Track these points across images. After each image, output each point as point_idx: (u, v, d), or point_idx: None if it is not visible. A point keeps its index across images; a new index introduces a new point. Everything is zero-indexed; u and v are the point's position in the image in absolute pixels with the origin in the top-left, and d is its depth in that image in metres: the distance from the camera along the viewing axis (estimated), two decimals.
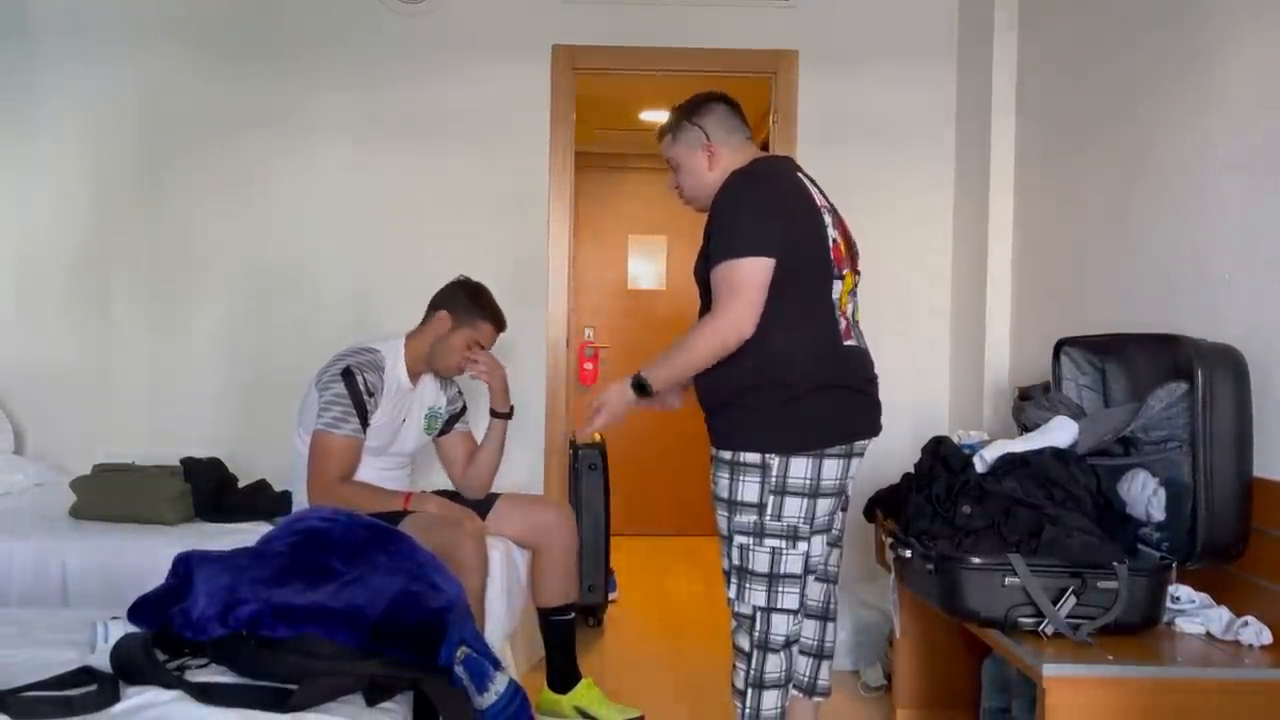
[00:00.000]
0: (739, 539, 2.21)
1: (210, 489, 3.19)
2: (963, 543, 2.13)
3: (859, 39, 3.94)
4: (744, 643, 2.24)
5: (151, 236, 3.95)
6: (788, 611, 2.21)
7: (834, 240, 2.24)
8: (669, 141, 2.39)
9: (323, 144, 3.93)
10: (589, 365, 6.07)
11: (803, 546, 2.20)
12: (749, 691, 2.23)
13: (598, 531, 4.04)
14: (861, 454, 2.28)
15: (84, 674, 1.70)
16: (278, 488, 3.24)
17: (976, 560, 2.05)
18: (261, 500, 3.20)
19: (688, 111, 2.37)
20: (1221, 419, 2.08)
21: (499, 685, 1.74)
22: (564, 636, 3.07)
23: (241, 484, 3.31)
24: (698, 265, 2.29)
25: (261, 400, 3.88)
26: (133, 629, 1.86)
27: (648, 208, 6.15)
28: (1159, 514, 2.18)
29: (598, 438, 4.23)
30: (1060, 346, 2.63)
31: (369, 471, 2.87)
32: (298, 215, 3.95)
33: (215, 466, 3.31)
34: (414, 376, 2.95)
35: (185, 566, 1.93)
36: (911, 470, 2.60)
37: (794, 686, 2.36)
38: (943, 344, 3.94)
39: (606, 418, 2.28)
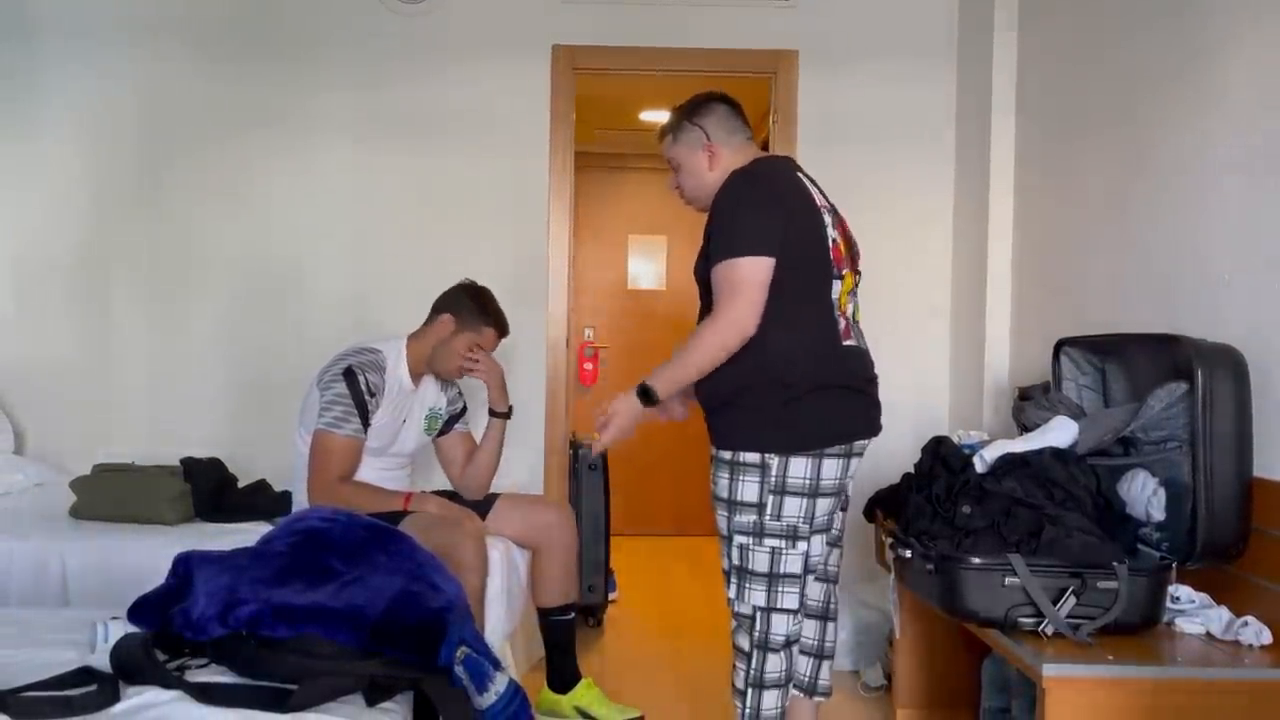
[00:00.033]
0: (739, 539, 2.21)
1: (210, 489, 3.19)
2: (963, 543, 2.13)
3: (859, 39, 3.94)
4: (744, 643, 2.24)
5: (151, 236, 3.95)
6: (787, 611, 2.21)
7: (834, 240, 2.24)
8: (670, 141, 2.39)
9: (323, 144, 3.93)
10: (589, 365, 6.07)
11: (802, 546, 2.20)
12: (749, 691, 2.23)
13: (598, 531, 4.04)
14: (861, 454, 2.28)
15: (84, 674, 1.70)
16: (278, 488, 3.24)
17: (976, 560, 2.05)
18: (261, 500, 3.20)
19: (688, 112, 2.37)
20: (1221, 419, 2.08)
21: (499, 685, 1.74)
22: (564, 636, 3.07)
23: (241, 484, 3.31)
24: (698, 265, 2.29)
25: (261, 400, 3.88)
26: (133, 629, 1.86)
27: (648, 208, 6.15)
28: (1159, 514, 2.18)
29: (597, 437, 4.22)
30: (1060, 346, 2.63)
31: (369, 472, 2.87)
32: (298, 215, 3.95)
33: (215, 466, 3.31)
34: (415, 377, 2.95)
35: (185, 566, 1.93)
36: (911, 470, 2.60)
37: (794, 686, 2.36)
38: (943, 344, 3.94)
39: (615, 431, 2.25)
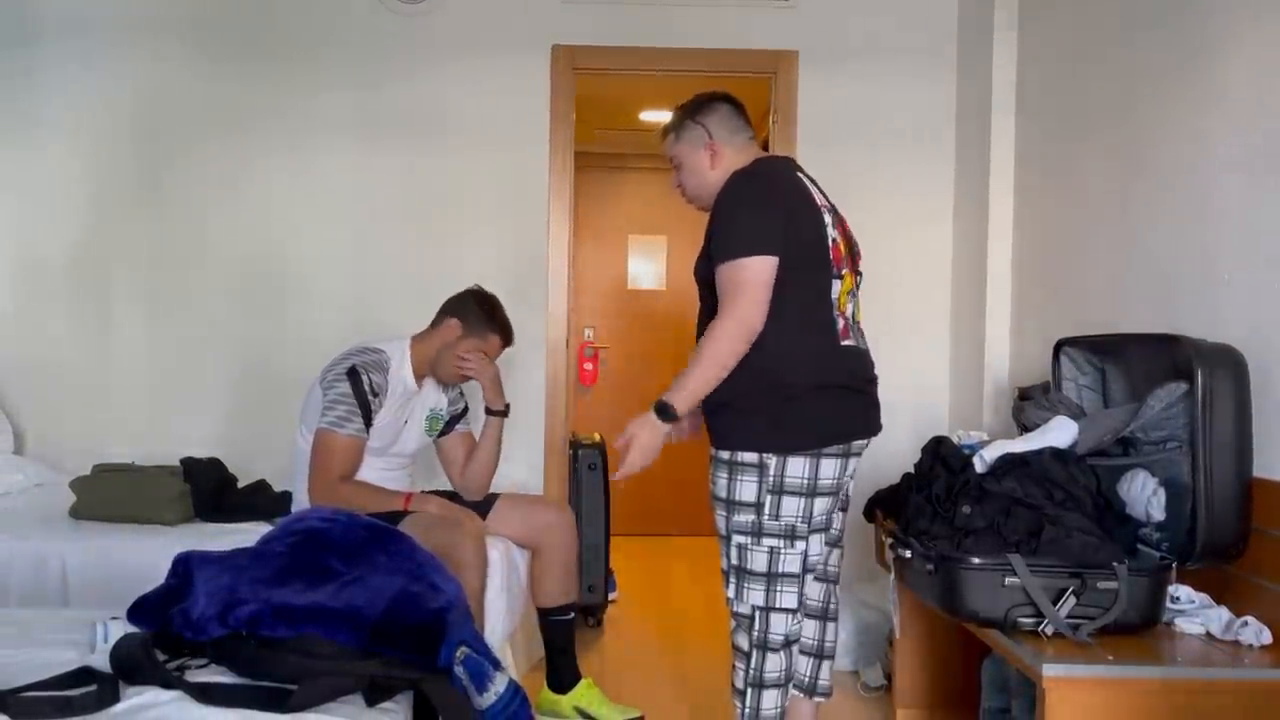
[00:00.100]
0: (737, 538, 2.21)
1: (210, 489, 3.19)
2: (963, 543, 2.13)
3: (859, 39, 3.94)
4: (743, 642, 2.24)
5: (151, 236, 3.95)
6: (786, 611, 2.21)
7: (834, 240, 2.24)
8: (672, 140, 2.39)
9: (322, 144, 3.93)
10: (589, 365, 6.07)
11: (800, 546, 2.20)
12: (749, 691, 2.23)
13: (598, 531, 4.04)
14: (860, 454, 2.28)
15: (84, 674, 1.70)
16: (277, 488, 3.24)
17: (976, 560, 2.05)
18: (261, 500, 3.20)
19: (691, 110, 2.37)
20: (1221, 419, 2.08)
21: (499, 685, 1.74)
22: (564, 636, 3.07)
23: (241, 484, 3.31)
24: (698, 265, 2.29)
25: (261, 400, 3.88)
26: (132, 629, 1.86)
27: (648, 208, 6.15)
28: (1159, 514, 2.18)
29: (597, 437, 4.23)
30: (1060, 346, 2.63)
31: (369, 472, 2.87)
32: (297, 215, 3.95)
33: (215, 466, 3.31)
34: (419, 379, 2.95)
35: (185, 566, 1.93)
36: (911, 470, 2.60)
37: (794, 686, 2.36)
38: (943, 344, 3.94)
39: (638, 455, 2.17)
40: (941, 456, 2.41)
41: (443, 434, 3.09)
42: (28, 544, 2.84)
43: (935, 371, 3.93)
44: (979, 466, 2.29)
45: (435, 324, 2.98)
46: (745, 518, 2.19)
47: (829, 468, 2.19)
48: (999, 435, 2.68)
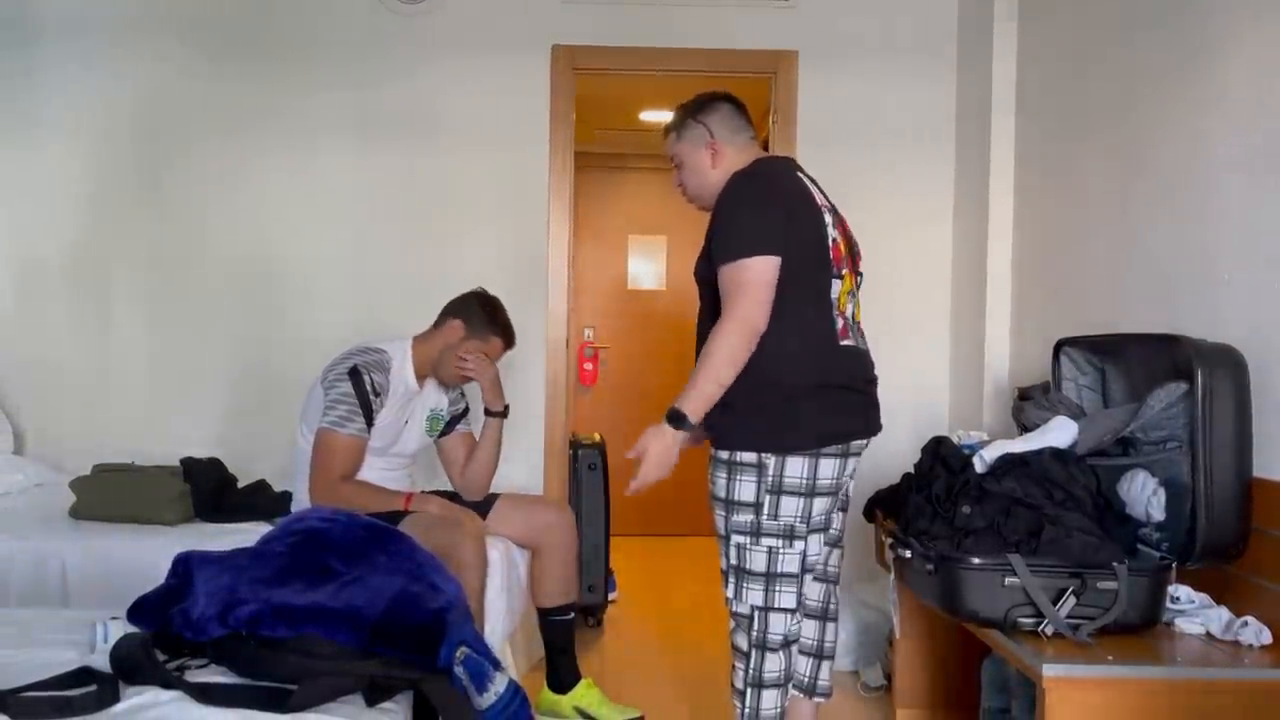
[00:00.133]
0: (736, 538, 2.21)
1: (210, 489, 3.19)
2: (962, 543, 2.12)
3: (859, 39, 3.94)
4: (742, 642, 2.24)
5: (151, 236, 3.95)
6: (785, 611, 2.21)
7: (834, 240, 2.24)
8: (673, 139, 2.39)
9: (322, 144, 3.93)
10: (589, 365, 6.07)
11: (799, 545, 2.20)
12: (748, 691, 2.23)
13: (598, 531, 4.04)
14: (859, 454, 2.28)
15: (84, 674, 1.70)
16: (277, 488, 3.24)
17: (976, 560, 2.05)
18: (261, 500, 3.20)
19: (693, 109, 2.37)
20: (1221, 419, 2.08)
21: (499, 686, 1.74)
22: (564, 636, 3.07)
23: (241, 484, 3.31)
24: (699, 265, 2.29)
25: (261, 400, 3.88)
26: (132, 629, 1.86)
27: (648, 208, 6.15)
28: (1159, 514, 2.18)
29: (597, 437, 4.23)
30: (1060, 346, 2.63)
31: (370, 472, 2.87)
32: (297, 215, 3.95)
33: (215, 466, 3.31)
34: (420, 379, 2.95)
35: (185, 567, 1.93)
36: (911, 470, 2.60)
37: (794, 687, 2.36)
38: (943, 344, 3.94)
39: (651, 468, 2.14)
40: (941, 456, 2.41)
41: (443, 434, 3.09)
42: (28, 544, 2.84)
43: (935, 371, 3.93)
44: (979, 466, 2.29)
45: (437, 325, 2.98)
46: (744, 518, 2.19)
47: (828, 468, 2.19)
48: (999, 435, 2.68)
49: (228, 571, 1.86)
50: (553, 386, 3.97)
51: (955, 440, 2.55)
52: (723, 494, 2.22)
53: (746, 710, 2.23)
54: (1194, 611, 2.10)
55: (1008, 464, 2.24)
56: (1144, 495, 2.19)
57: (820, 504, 2.21)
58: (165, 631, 1.82)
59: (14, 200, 3.96)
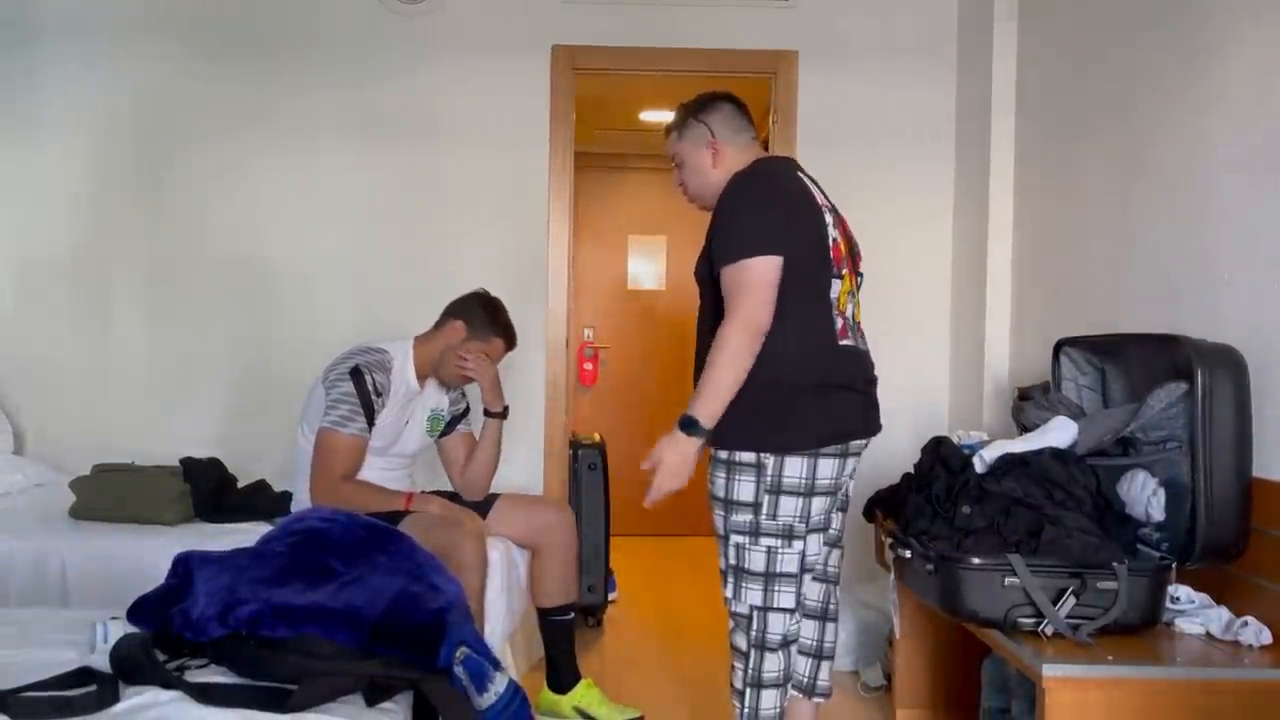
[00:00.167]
0: (735, 538, 2.21)
1: (210, 489, 3.19)
2: (962, 543, 2.13)
3: (859, 39, 3.94)
4: (741, 642, 2.24)
5: (151, 236, 3.95)
6: (784, 610, 2.21)
7: (834, 240, 2.24)
8: (675, 138, 2.39)
9: (322, 144, 3.93)
10: (589, 365, 6.07)
11: (798, 545, 2.19)
12: (747, 691, 2.23)
13: (598, 531, 4.04)
14: (858, 454, 2.28)
15: (84, 674, 1.70)
16: (277, 488, 3.24)
17: (976, 560, 2.05)
18: (261, 500, 3.20)
19: (694, 109, 2.37)
20: (1221, 419, 2.08)
21: (498, 686, 1.74)
22: (564, 636, 3.07)
23: (241, 484, 3.31)
24: (699, 265, 2.29)
25: (261, 400, 3.88)
26: (132, 629, 1.86)
27: (648, 208, 6.15)
28: (1159, 514, 2.18)
29: (597, 437, 4.23)
30: (1060, 346, 2.63)
31: (370, 472, 2.87)
32: (297, 215, 3.95)
33: (215, 466, 3.31)
34: (421, 379, 2.95)
35: (185, 567, 1.93)
36: (911, 470, 2.60)
37: (793, 687, 2.36)
38: (943, 344, 3.94)
39: (665, 478, 2.13)
40: (941, 456, 2.41)
41: (444, 434, 3.09)
42: (28, 544, 2.84)
43: (935, 371, 3.93)
44: (979, 466, 2.29)
45: (439, 325, 2.98)
46: (743, 517, 2.19)
47: (826, 468, 2.19)
48: (999, 435, 2.68)
49: (228, 571, 1.86)
50: (553, 386, 3.97)
51: (955, 440, 2.55)
52: (721, 494, 2.22)
53: (746, 710, 2.23)
54: (1194, 611, 2.10)
55: (1008, 464, 2.24)
56: (1144, 495, 2.19)
57: (819, 504, 2.21)
58: (165, 631, 1.82)
59: (14, 200, 3.96)
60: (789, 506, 2.17)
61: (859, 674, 3.43)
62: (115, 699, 1.63)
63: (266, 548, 1.97)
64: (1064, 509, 2.11)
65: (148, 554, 2.68)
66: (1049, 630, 1.97)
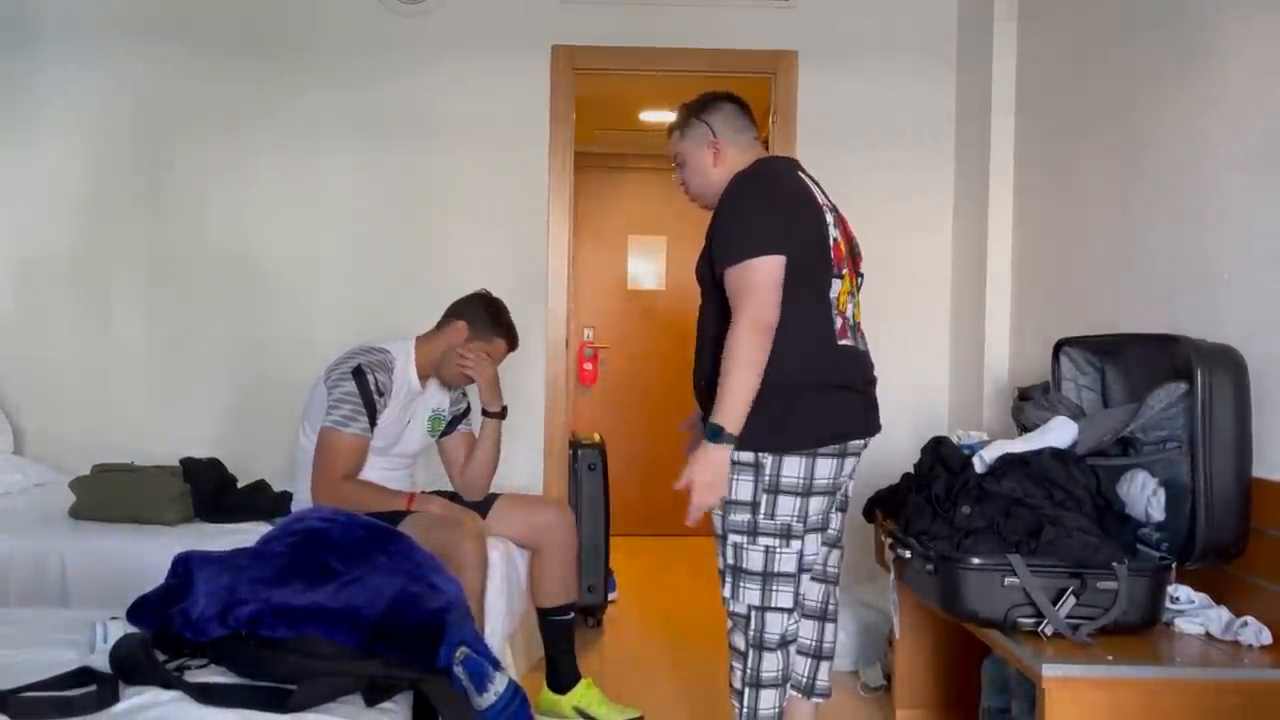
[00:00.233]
0: (733, 538, 2.21)
1: (210, 489, 3.19)
2: (962, 543, 2.13)
3: (859, 39, 3.95)
4: (739, 642, 2.24)
5: (151, 236, 3.95)
6: (782, 610, 2.21)
7: (835, 240, 2.24)
8: (677, 138, 2.40)
9: (322, 144, 3.93)
10: (589, 365, 6.07)
11: (796, 545, 2.19)
12: (746, 691, 2.23)
13: (598, 531, 4.04)
14: (857, 454, 2.28)
15: (84, 674, 1.70)
16: (277, 488, 3.24)
17: (976, 560, 2.05)
18: (261, 500, 3.20)
19: (696, 109, 2.38)
20: (1221, 419, 2.08)
21: (498, 686, 1.74)
22: (564, 636, 3.07)
23: (241, 484, 3.31)
24: (700, 265, 2.29)
25: (261, 400, 3.89)
26: (132, 629, 1.86)
27: (648, 208, 6.15)
28: (1158, 514, 2.18)
29: (597, 437, 4.23)
30: (1060, 347, 2.63)
31: (371, 471, 2.87)
32: (297, 216, 3.95)
33: (215, 466, 3.31)
34: (423, 379, 2.95)
35: (185, 567, 1.93)
36: (911, 470, 2.60)
37: (792, 687, 2.36)
38: (943, 344, 3.94)
39: (702, 493, 2.12)
40: (941, 456, 2.41)
41: (445, 434, 3.09)
42: (28, 544, 2.84)
43: (935, 371, 3.93)
44: (979, 466, 2.29)
45: (441, 326, 2.98)
46: (741, 517, 2.19)
47: (825, 467, 2.19)
48: (999, 435, 2.68)
49: (228, 571, 1.86)
50: (553, 387, 3.97)
51: (955, 440, 2.55)
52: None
53: (745, 710, 2.23)
54: (1194, 611, 2.10)
55: (1008, 464, 2.24)
56: (1144, 495, 2.19)
57: (817, 503, 2.21)
58: (165, 631, 1.82)
59: (14, 200, 3.97)
60: (787, 506, 2.17)
61: (859, 674, 3.43)
62: (115, 699, 1.63)
63: (266, 548, 1.97)
64: (1064, 509, 2.12)
65: (148, 554, 2.68)
66: (1049, 630, 1.97)
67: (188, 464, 3.26)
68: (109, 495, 3.08)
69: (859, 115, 3.95)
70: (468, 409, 3.15)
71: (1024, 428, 2.55)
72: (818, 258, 2.20)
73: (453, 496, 3.04)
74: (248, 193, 3.95)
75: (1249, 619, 2.03)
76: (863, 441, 2.27)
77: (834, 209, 2.30)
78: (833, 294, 2.22)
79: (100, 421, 3.90)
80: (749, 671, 2.22)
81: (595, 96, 4.95)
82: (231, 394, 3.94)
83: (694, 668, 3.60)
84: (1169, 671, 1.91)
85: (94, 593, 2.72)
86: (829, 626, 2.43)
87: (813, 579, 2.35)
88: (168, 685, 1.67)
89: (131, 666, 1.72)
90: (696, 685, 3.42)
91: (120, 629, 1.88)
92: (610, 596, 4.21)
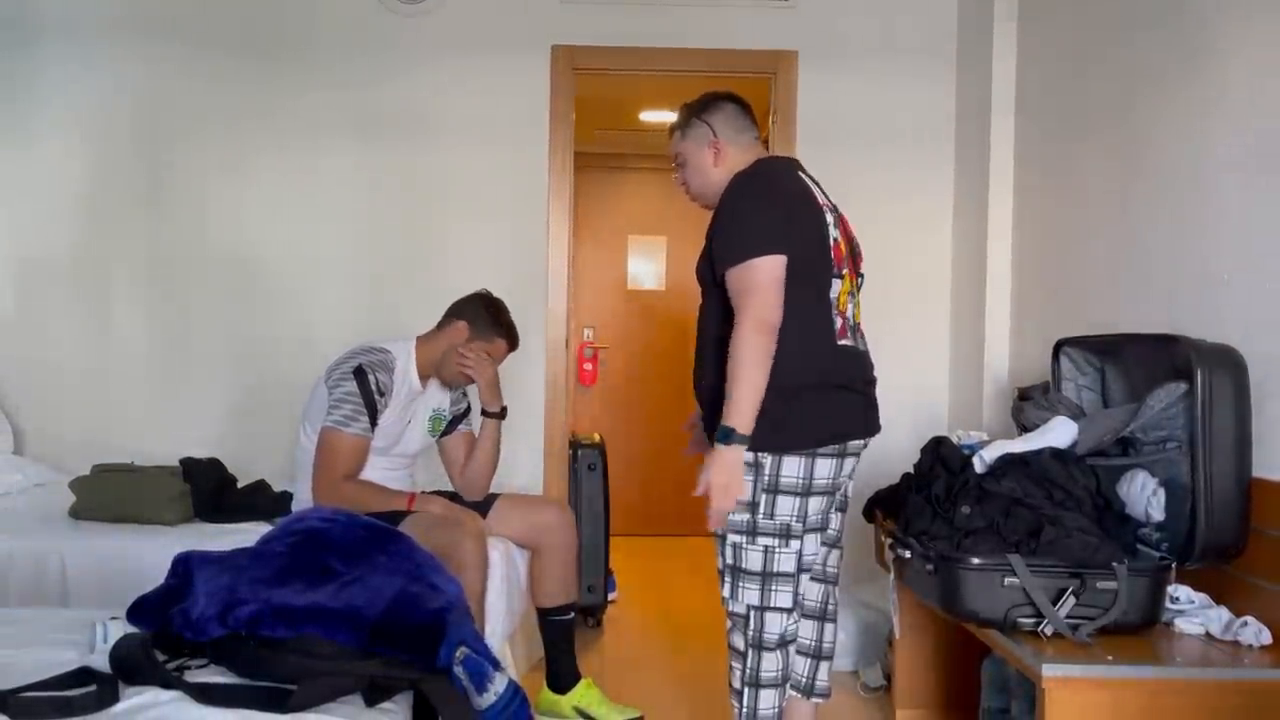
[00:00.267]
0: (732, 537, 2.21)
1: (210, 489, 3.19)
2: (962, 543, 2.13)
3: (859, 39, 3.95)
4: (739, 642, 2.24)
5: (151, 236, 3.95)
6: (781, 610, 2.21)
7: (835, 240, 2.24)
8: (678, 138, 2.40)
9: (321, 144, 3.93)
10: (589, 365, 6.07)
11: (795, 545, 2.19)
12: (745, 691, 2.23)
13: (598, 531, 4.04)
14: (857, 454, 2.28)
15: (84, 674, 1.70)
16: (277, 488, 3.24)
17: (976, 560, 2.05)
18: (261, 500, 3.20)
19: (697, 109, 2.38)
20: (1221, 419, 2.08)
21: (498, 686, 1.74)
22: (563, 636, 3.07)
23: (241, 484, 3.31)
24: (700, 264, 2.29)
25: (261, 400, 3.89)
26: (132, 629, 1.86)
27: (648, 208, 6.15)
28: (1158, 514, 2.18)
29: (597, 437, 4.23)
30: (1060, 347, 2.63)
31: (372, 471, 2.87)
32: (297, 216, 3.95)
33: (215, 466, 3.31)
34: (423, 379, 2.95)
35: (185, 567, 1.93)
36: (911, 470, 2.60)
37: (791, 687, 2.36)
38: (943, 344, 3.94)
39: (719, 497, 2.11)
40: (941, 456, 2.41)
41: (445, 434, 3.09)
42: (28, 544, 2.84)
43: (935, 371, 3.93)
44: (979, 466, 2.29)
45: (441, 325, 2.98)
46: (740, 516, 2.19)
47: (824, 467, 2.19)
48: (999, 435, 2.68)
49: (228, 571, 1.86)
50: (553, 387, 3.97)
51: (955, 440, 2.55)
52: None
53: (744, 710, 2.23)
54: (1194, 611, 2.10)
55: (1007, 464, 2.24)
56: (1144, 495, 2.19)
57: (816, 503, 2.21)
58: (165, 631, 1.82)
59: (13, 200, 3.97)
60: (786, 506, 2.17)
61: (859, 674, 3.43)
62: (115, 699, 1.63)
63: (266, 548, 1.97)
64: (1064, 509, 2.12)
65: (148, 554, 2.68)
66: (1049, 630, 1.97)
67: (188, 464, 3.26)
68: (109, 495, 3.08)
69: (859, 115, 3.95)
70: (468, 409, 3.15)
71: (1024, 428, 2.55)
72: (818, 258, 2.20)
73: (453, 496, 3.04)
74: (247, 193, 3.95)
75: (1249, 619, 2.03)
76: (862, 442, 2.27)
77: (834, 209, 2.30)
78: (833, 294, 2.22)
79: (100, 421, 3.90)
80: (748, 671, 2.22)
81: (595, 96, 4.95)
82: (231, 394, 3.94)
83: (694, 668, 3.60)
84: (1169, 671, 1.91)
85: (94, 593, 2.72)
86: (828, 626, 2.43)
87: (812, 579, 2.36)
88: (168, 685, 1.67)
89: (131, 666, 1.72)
90: (696, 685, 3.42)
91: (120, 629, 1.88)
92: (610, 596, 4.21)
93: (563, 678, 3.06)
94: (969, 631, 2.20)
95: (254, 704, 1.61)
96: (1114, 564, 1.99)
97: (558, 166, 3.95)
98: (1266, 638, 1.99)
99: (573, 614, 3.10)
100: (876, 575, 3.37)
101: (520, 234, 3.95)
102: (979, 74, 3.64)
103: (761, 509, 2.17)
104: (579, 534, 3.20)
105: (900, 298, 3.87)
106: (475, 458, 3.07)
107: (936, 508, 2.28)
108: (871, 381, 2.32)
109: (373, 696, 1.69)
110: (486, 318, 2.95)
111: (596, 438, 4.22)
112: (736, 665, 2.25)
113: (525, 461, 3.90)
